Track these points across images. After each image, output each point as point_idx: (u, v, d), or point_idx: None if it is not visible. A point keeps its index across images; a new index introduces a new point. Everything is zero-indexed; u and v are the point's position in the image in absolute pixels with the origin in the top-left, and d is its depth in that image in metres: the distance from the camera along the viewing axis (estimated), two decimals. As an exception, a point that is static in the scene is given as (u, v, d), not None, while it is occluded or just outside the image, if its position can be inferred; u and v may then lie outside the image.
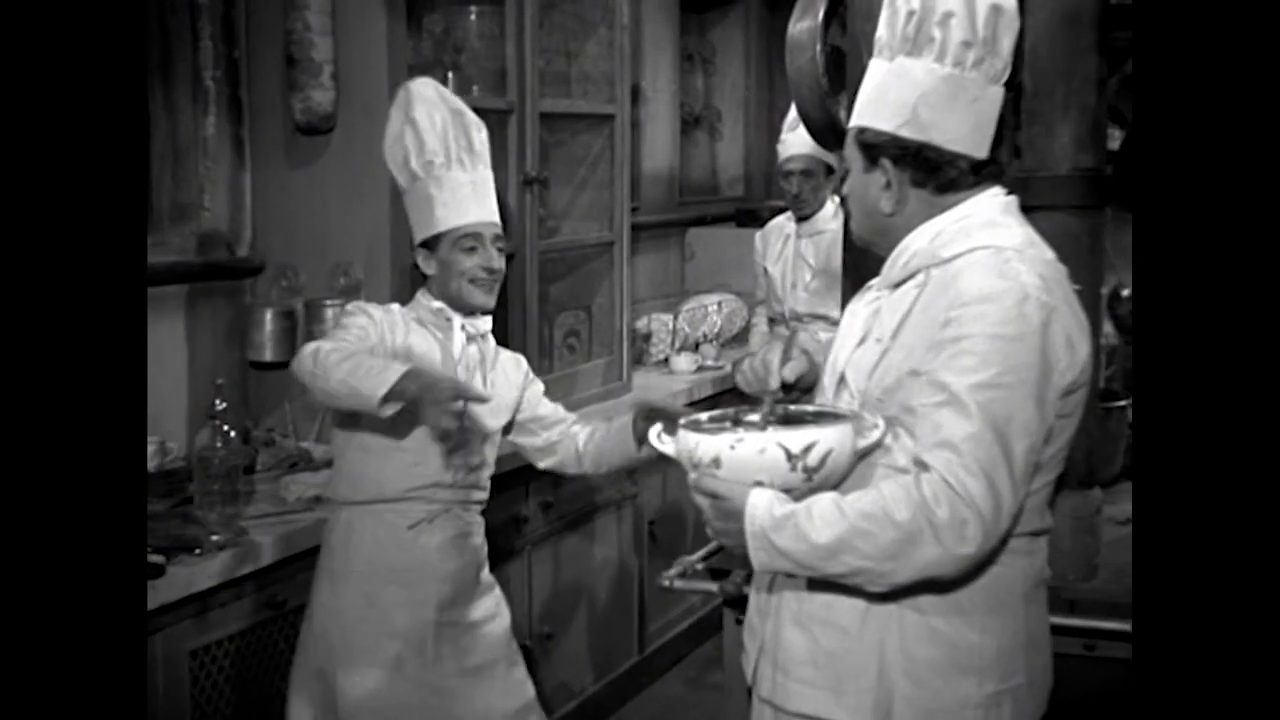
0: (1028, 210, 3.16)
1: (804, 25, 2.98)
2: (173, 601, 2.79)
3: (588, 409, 4.22)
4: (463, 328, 2.96)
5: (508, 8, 4.01)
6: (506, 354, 3.09)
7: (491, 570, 3.04)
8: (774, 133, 5.70)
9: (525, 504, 3.95)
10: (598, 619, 4.42)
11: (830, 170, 4.81)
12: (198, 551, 2.90)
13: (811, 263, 4.91)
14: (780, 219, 5.14)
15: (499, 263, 2.95)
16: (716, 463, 1.96)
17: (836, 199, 4.70)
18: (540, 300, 4.29)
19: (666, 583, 2.91)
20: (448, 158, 2.93)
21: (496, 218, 2.98)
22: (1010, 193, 2.11)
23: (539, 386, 3.11)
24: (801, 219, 4.95)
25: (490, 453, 3.00)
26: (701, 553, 2.91)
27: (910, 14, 2.02)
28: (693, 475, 2.02)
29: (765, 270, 5.10)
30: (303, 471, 3.46)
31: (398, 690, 2.83)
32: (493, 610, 3.00)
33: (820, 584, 2.02)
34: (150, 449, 3.30)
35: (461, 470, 2.91)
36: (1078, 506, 3.01)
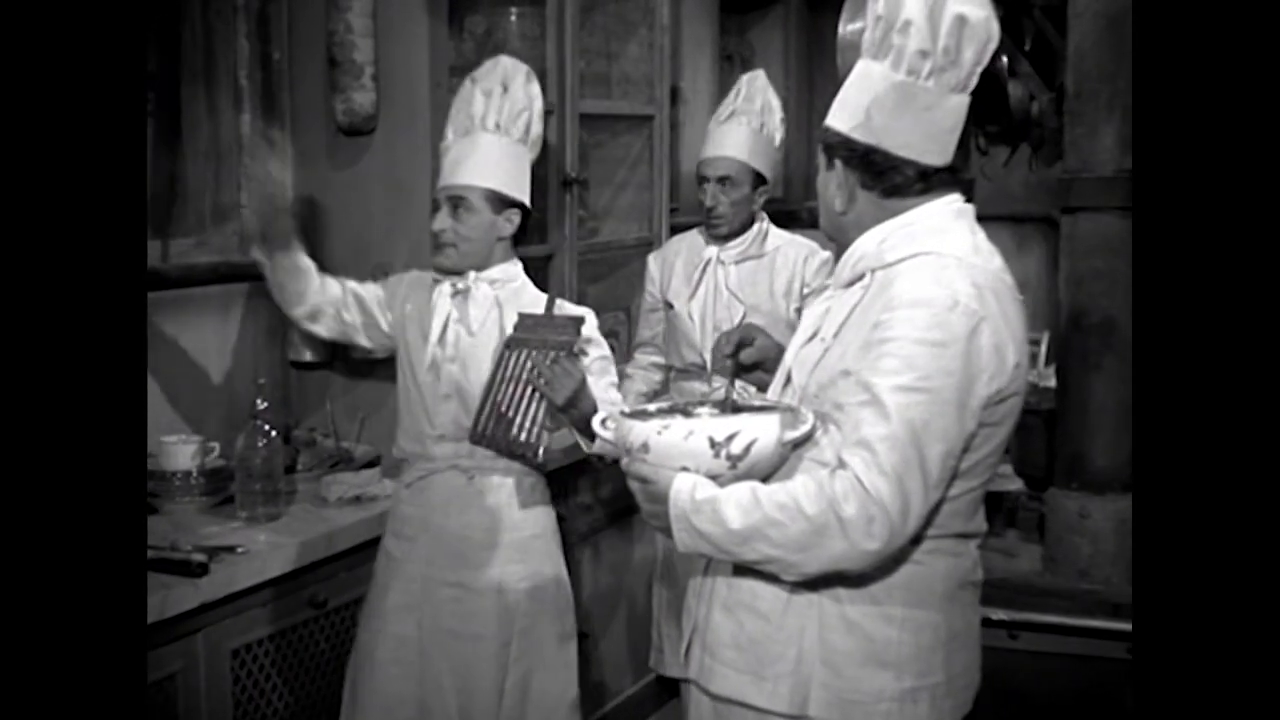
0: (1071, 211, 3.16)
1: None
2: (214, 600, 2.81)
3: (627, 410, 4.21)
4: (454, 285, 3.04)
5: (548, 9, 4.02)
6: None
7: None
8: (813, 135, 5.66)
9: (566, 503, 3.95)
10: (638, 618, 4.42)
11: (762, 180, 3.83)
12: (240, 550, 2.92)
13: (741, 297, 3.82)
14: (691, 236, 3.99)
15: (441, 224, 3.00)
16: (645, 448, 2.03)
17: (765, 217, 3.91)
18: (579, 300, 4.29)
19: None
20: (465, 127, 3.03)
21: (467, 179, 2.99)
22: (968, 200, 2.13)
23: (591, 356, 2.98)
24: (719, 238, 3.87)
25: None
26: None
27: (878, 19, 2.06)
28: (625, 460, 2.08)
29: (668, 305, 3.96)
30: (344, 471, 3.47)
31: (398, 634, 2.98)
32: (497, 583, 2.97)
33: (746, 571, 2.08)
34: (191, 449, 3.32)
35: (449, 426, 2.97)
36: (1121, 510, 2.99)
